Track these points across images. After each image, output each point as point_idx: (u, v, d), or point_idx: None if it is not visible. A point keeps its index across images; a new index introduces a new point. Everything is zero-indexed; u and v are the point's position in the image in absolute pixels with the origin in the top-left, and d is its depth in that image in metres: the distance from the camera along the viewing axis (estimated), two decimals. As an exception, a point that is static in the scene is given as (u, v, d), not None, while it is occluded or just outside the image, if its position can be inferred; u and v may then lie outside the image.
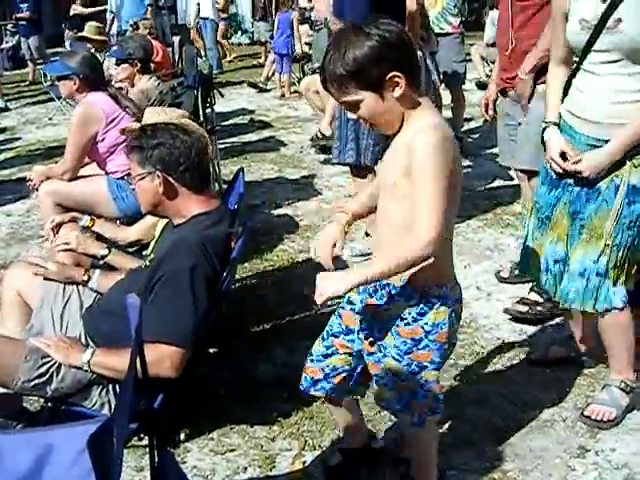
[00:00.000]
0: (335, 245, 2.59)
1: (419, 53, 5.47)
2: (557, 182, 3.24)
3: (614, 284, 3.16)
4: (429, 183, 2.20)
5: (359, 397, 2.94)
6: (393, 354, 2.49)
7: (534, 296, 4.29)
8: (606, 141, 3.02)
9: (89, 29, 9.21)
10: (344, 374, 2.69)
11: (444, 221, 2.23)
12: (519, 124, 4.34)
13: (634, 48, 2.90)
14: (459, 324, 2.62)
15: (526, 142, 4.15)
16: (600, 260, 3.13)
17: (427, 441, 2.76)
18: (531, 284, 4.31)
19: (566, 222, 3.23)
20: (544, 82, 3.58)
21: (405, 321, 2.44)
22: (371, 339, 2.56)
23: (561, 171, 3.17)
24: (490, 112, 4.74)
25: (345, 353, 2.66)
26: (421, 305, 2.42)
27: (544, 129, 3.29)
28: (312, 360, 2.75)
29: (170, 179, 2.98)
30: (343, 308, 2.68)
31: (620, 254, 3.12)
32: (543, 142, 3.30)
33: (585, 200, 3.14)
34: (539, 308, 4.23)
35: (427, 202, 2.20)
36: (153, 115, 3.27)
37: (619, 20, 2.90)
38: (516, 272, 4.77)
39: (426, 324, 2.43)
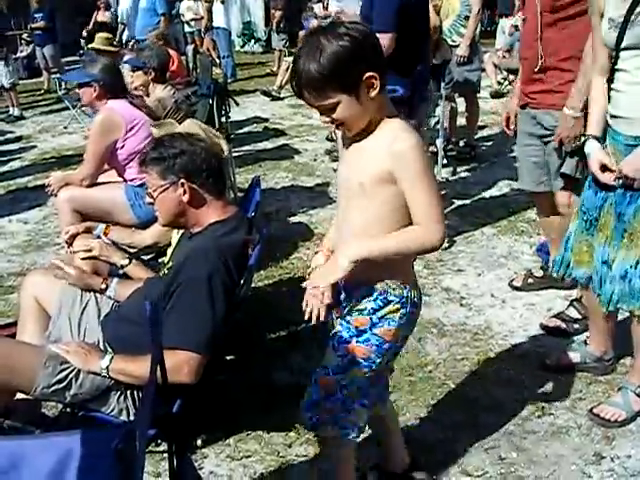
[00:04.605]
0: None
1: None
2: (603, 184, 3.21)
3: None
4: (424, 181, 2.23)
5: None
6: (334, 342, 2.50)
7: (572, 311, 4.23)
8: None
9: (99, 40, 9.26)
10: None
11: (444, 214, 2.30)
12: (545, 143, 4.12)
13: None
14: (411, 331, 2.61)
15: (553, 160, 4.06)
16: (639, 264, 3.11)
17: (332, 446, 2.71)
18: (571, 298, 4.32)
19: (612, 223, 3.19)
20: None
21: (359, 312, 2.45)
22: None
23: (603, 183, 3.16)
24: (512, 127, 4.43)
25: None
26: (378, 301, 2.41)
27: (584, 142, 3.28)
28: None
29: (194, 186, 3.00)
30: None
31: None
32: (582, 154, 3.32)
33: (627, 202, 3.09)
34: (576, 326, 4.16)
35: (428, 198, 2.23)
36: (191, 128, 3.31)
37: None
38: (530, 280, 4.78)
39: (375, 316, 2.42)
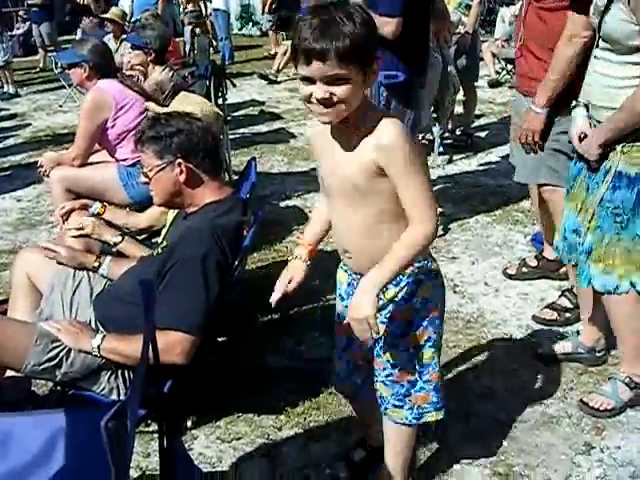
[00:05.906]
0: (291, 282, 2.54)
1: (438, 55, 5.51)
2: (580, 154, 3.27)
3: (604, 269, 3.19)
4: (415, 175, 2.14)
5: None
6: (389, 342, 2.47)
7: (564, 301, 4.23)
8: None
9: (116, 12, 9.23)
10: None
11: (436, 205, 2.25)
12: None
13: (613, 37, 2.96)
14: (444, 293, 2.59)
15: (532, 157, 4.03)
16: (585, 239, 3.21)
17: (409, 437, 2.72)
18: (564, 288, 4.34)
19: (583, 194, 3.25)
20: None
21: (397, 304, 2.42)
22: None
23: (580, 153, 3.23)
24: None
25: (365, 360, 2.65)
26: (409, 285, 2.40)
27: (574, 107, 3.30)
28: (340, 380, 2.81)
29: (191, 166, 2.98)
30: (338, 320, 2.66)
31: (606, 240, 3.15)
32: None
33: (592, 179, 3.19)
34: (567, 315, 4.17)
35: (420, 193, 2.15)
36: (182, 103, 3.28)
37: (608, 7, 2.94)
38: (524, 269, 4.78)
39: (416, 302, 2.42)
